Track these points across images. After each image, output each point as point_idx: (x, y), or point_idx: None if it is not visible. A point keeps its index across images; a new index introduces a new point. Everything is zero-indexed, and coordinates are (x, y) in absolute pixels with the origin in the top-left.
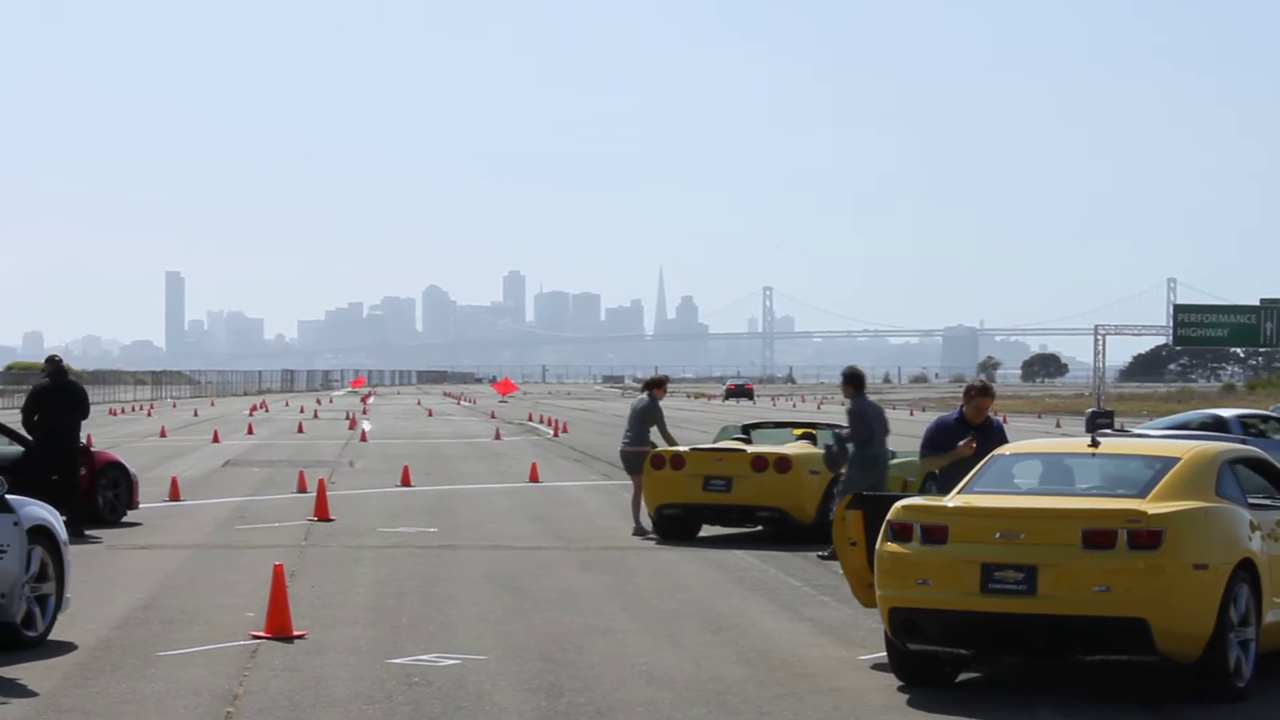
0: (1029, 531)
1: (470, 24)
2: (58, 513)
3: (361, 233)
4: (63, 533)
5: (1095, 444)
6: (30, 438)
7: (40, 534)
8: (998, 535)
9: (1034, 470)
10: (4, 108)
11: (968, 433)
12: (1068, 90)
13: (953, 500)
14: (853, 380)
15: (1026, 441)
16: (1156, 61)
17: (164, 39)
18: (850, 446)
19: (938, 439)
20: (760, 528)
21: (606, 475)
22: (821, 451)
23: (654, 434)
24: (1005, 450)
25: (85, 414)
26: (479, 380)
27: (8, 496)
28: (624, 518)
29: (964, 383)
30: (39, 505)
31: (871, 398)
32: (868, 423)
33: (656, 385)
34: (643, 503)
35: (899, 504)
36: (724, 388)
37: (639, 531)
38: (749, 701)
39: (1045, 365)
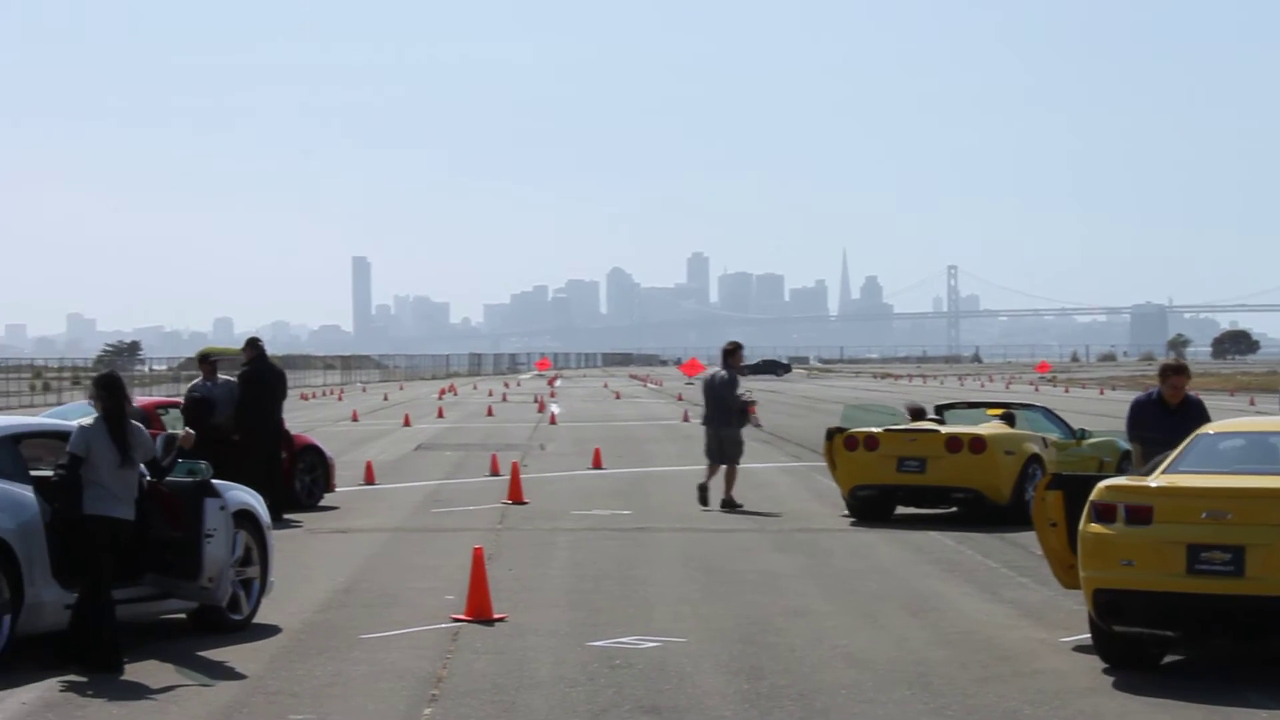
0: (1236, 511)
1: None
2: (261, 497)
3: (545, 216)
4: (266, 517)
5: None
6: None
7: (244, 518)
8: (1204, 515)
9: (1239, 449)
10: (199, 99)
11: (1166, 412)
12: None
13: (1157, 480)
14: None
15: (1231, 420)
16: None
17: (343, 29)
18: None
19: (1139, 418)
20: (954, 509)
21: (796, 457)
22: (1016, 432)
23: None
24: (1209, 429)
25: (284, 397)
26: (664, 362)
27: (214, 481)
28: (817, 499)
29: (1153, 362)
30: (243, 490)
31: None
32: None
33: (733, 354)
34: (737, 479)
35: (1102, 484)
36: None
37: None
38: (952, 684)
39: (1236, 342)
